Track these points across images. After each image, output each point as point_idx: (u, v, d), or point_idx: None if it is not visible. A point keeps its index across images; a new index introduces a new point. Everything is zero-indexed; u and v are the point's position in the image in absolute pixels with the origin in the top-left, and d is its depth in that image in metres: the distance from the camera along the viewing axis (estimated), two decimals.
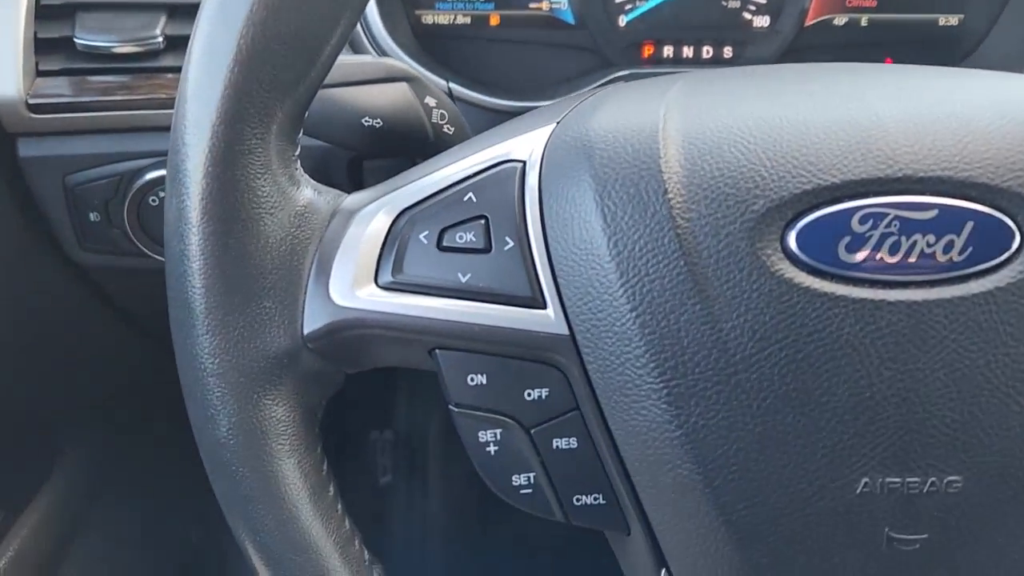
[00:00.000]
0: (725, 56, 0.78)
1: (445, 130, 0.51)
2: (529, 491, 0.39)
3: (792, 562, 0.36)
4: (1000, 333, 0.35)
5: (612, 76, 0.72)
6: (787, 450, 0.36)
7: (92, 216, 0.65)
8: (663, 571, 0.39)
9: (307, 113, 0.40)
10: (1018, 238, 0.35)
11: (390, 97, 0.49)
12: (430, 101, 0.50)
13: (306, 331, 0.38)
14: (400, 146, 0.50)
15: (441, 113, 0.51)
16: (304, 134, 0.41)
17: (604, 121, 0.39)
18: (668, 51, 0.77)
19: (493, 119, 0.68)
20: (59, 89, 0.63)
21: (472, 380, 0.38)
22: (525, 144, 0.40)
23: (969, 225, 0.35)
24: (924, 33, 0.79)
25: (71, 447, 0.95)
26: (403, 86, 0.49)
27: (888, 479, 0.36)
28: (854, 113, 0.37)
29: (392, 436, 1.14)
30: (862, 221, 0.35)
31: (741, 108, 0.38)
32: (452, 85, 0.67)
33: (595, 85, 0.71)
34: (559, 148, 0.39)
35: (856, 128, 0.37)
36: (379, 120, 0.48)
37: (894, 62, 0.79)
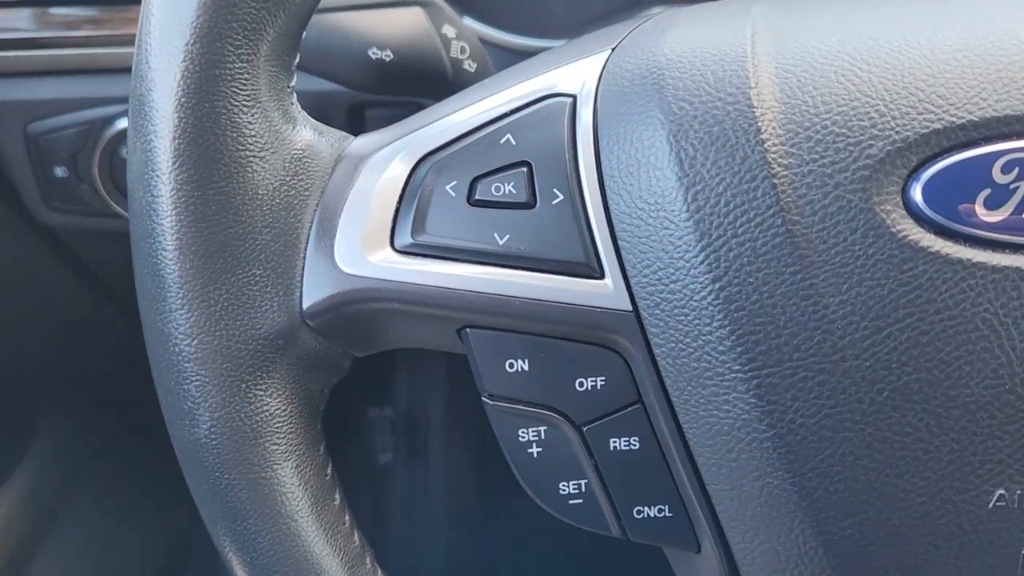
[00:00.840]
0: None
1: (466, 66, 0.43)
2: (579, 501, 0.32)
3: None
4: None
5: (651, 12, 0.64)
6: (904, 456, 0.29)
7: (58, 171, 0.58)
8: None
9: (303, 38, 0.32)
10: None
11: (402, 25, 0.41)
12: (449, 31, 0.43)
13: (305, 305, 0.31)
14: (413, 85, 0.42)
15: (461, 46, 0.43)
16: (298, 69, 0.33)
17: (677, 44, 0.31)
18: None
19: (513, 61, 0.60)
20: (17, 23, 0.56)
21: (512, 366, 0.31)
22: (575, 75, 0.33)
23: None
24: None
25: (48, 426, 0.88)
26: (418, 12, 0.42)
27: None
28: (991, 35, 0.30)
29: (392, 414, 1.07)
30: (1005, 169, 0.28)
31: (848, 27, 0.31)
32: (466, 21, 0.59)
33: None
34: (619, 79, 0.32)
35: (996, 53, 0.29)
36: (388, 52, 0.41)
37: None
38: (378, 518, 1.09)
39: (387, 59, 0.41)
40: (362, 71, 0.41)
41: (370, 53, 0.41)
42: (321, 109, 0.50)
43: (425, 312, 0.31)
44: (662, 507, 0.32)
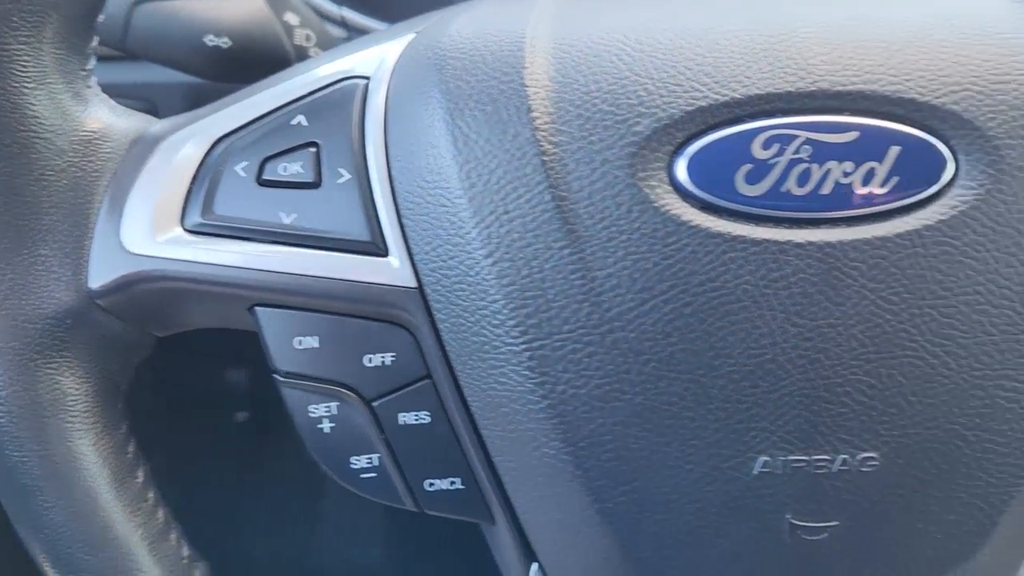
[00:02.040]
0: None
1: (311, 54, 0.44)
2: (372, 475, 0.32)
3: (678, 557, 0.30)
4: (928, 281, 0.29)
5: None
6: (672, 425, 0.29)
7: None
8: (535, 566, 0.33)
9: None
10: (951, 166, 0.29)
11: (240, 12, 0.42)
12: (291, 19, 0.43)
13: (93, 286, 0.31)
14: (254, 72, 0.42)
15: (307, 34, 0.44)
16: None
17: (464, 28, 0.32)
18: None
19: None
20: None
21: (300, 343, 0.31)
22: (374, 58, 0.33)
23: (894, 151, 0.29)
24: None
25: None
26: (258, 0, 0.42)
27: (791, 457, 0.30)
28: (765, 19, 0.31)
29: (247, 374, 1.06)
30: (765, 145, 0.29)
31: (628, 11, 0.32)
32: (345, 12, 0.59)
33: None
34: (411, 62, 0.32)
35: (764, 35, 0.30)
36: (226, 39, 0.41)
37: None
38: (239, 479, 1.07)
39: (224, 46, 0.41)
40: (199, 57, 0.41)
41: (206, 40, 0.41)
42: (157, 98, 0.50)
43: (214, 291, 0.31)
44: (454, 479, 0.32)
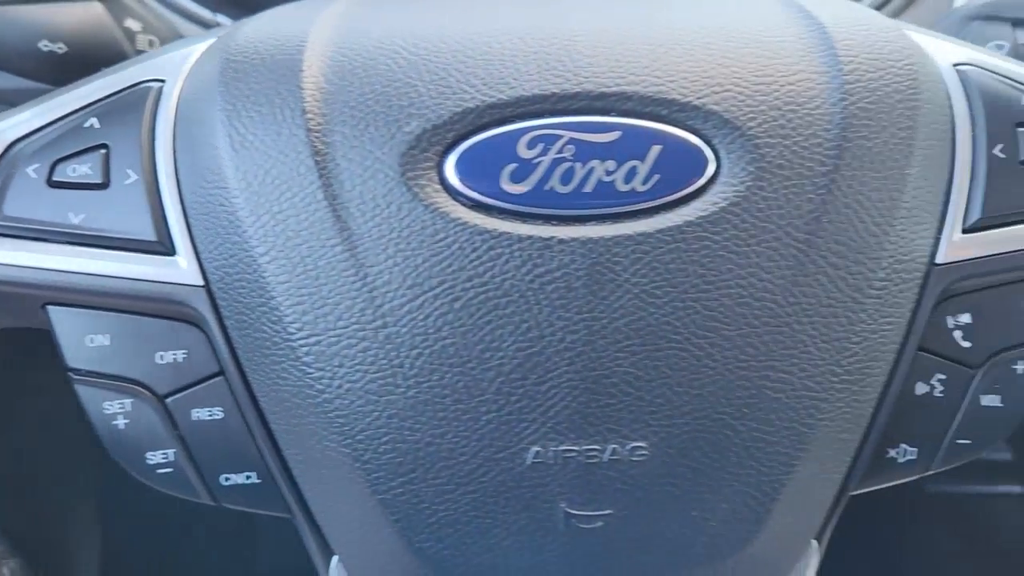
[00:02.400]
0: None
1: None
2: (168, 470, 0.33)
3: (459, 547, 0.31)
4: (691, 275, 0.30)
5: None
6: (445, 417, 0.30)
7: None
8: (335, 559, 0.34)
9: None
10: (712, 164, 0.30)
11: (76, 18, 0.42)
12: (133, 25, 0.44)
13: None
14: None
15: (149, 39, 0.44)
16: None
17: (253, 31, 0.33)
18: None
19: None
20: None
21: (92, 341, 0.32)
22: (176, 61, 0.34)
23: (655, 150, 0.30)
24: None
25: None
26: (96, 6, 0.42)
27: (563, 447, 0.30)
28: (541, 24, 0.32)
29: None
30: (531, 145, 0.30)
31: (412, 17, 0.33)
32: (220, 18, 0.60)
33: None
34: (202, 65, 0.33)
35: (537, 39, 0.31)
36: (61, 44, 0.42)
37: None
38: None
39: (59, 51, 0.42)
40: (34, 63, 0.42)
41: (40, 45, 0.41)
42: None
43: (5, 291, 0.32)
44: (249, 474, 0.33)
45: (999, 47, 0.45)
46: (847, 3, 0.35)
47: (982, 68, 0.34)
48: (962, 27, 0.45)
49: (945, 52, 0.35)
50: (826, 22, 0.33)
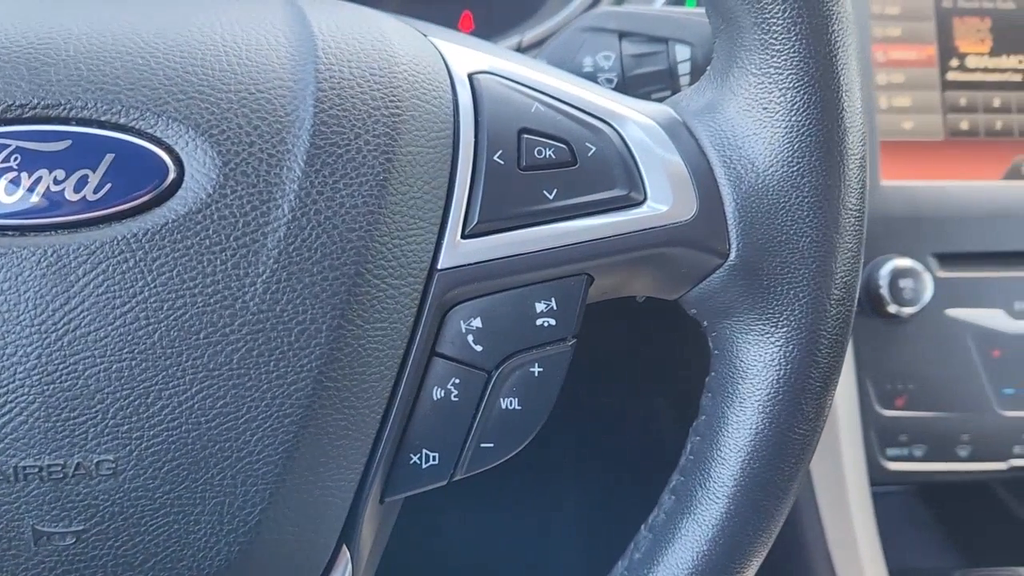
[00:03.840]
0: None
1: None
2: None
3: None
4: (151, 284, 0.30)
5: None
6: None
7: None
8: None
9: None
10: (173, 172, 0.30)
11: None
12: None
13: None
14: None
15: None
16: None
17: None
18: None
19: None
20: None
21: None
22: None
23: (108, 158, 0.30)
24: None
25: None
26: None
27: (24, 463, 0.30)
28: (14, 29, 0.31)
29: None
30: None
31: None
32: None
33: None
34: None
35: (3, 46, 0.31)
36: None
37: (474, 16, 0.75)
38: None
39: None
40: None
41: None
42: None
43: None
44: None
45: (606, 58, 0.46)
46: (361, 11, 0.35)
47: (498, 76, 0.35)
48: (576, 38, 0.46)
49: (466, 60, 0.35)
50: (318, 31, 0.33)
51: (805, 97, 0.34)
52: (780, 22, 0.34)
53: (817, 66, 0.34)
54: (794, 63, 0.34)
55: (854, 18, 0.35)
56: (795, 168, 0.34)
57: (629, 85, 0.46)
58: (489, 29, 0.72)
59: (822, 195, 0.34)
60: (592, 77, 0.46)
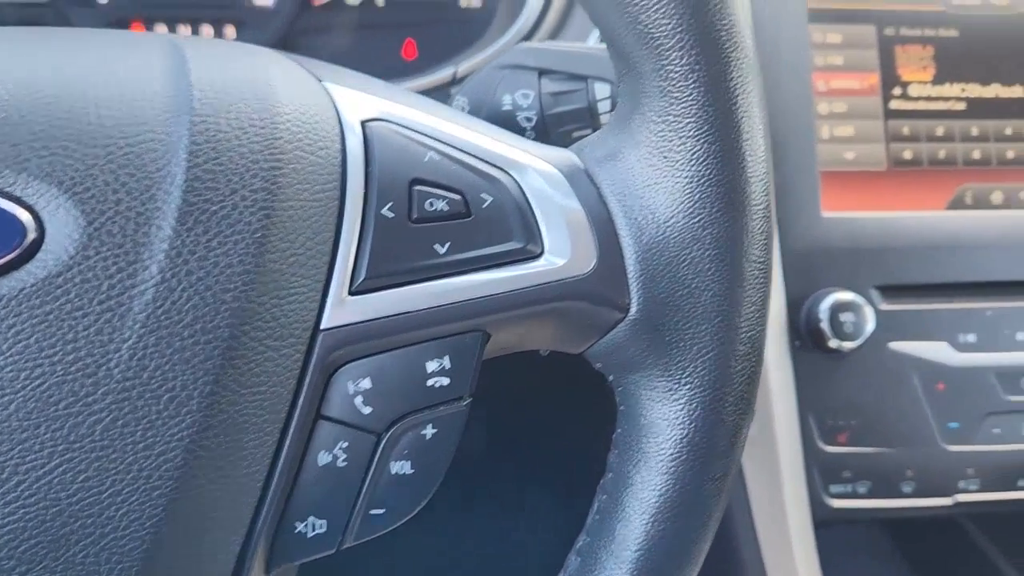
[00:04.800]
0: (228, 37, 0.71)
1: None
2: None
3: None
4: (6, 353, 0.28)
5: None
6: None
7: None
8: None
9: None
10: (33, 233, 0.29)
11: None
12: None
13: None
14: None
15: None
16: None
17: None
18: (161, 31, 0.70)
19: None
20: None
21: None
22: None
23: None
24: (446, 14, 0.74)
25: None
26: None
27: None
28: None
29: None
30: None
31: None
32: None
33: None
34: None
35: None
36: None
37: (418, 44, 0.74)
38: None
39: None
40: None
41: None
42: None
43: None
44: None
45: (525, 96, 0.45)
46: (251, 55, 0.34)
47: (393, 123, 0.34)
48: (495, 76, 0.45)
49: (360, 106, 0.34)
50: (196, 80, 0.31)
51: (705, 146, 0.33)
52: (678, 69, 0.32)
53: (717, 114, 0.33)
54: (693, 111, 0.33)
55: (756, 63, 0.34)
56: (696, 220, 0.33)
57: (549, 124, 0.45)
58: (431, 57, 0.71)
59: (724, 247, 0.33)
60: (511, 115, 0.45)
